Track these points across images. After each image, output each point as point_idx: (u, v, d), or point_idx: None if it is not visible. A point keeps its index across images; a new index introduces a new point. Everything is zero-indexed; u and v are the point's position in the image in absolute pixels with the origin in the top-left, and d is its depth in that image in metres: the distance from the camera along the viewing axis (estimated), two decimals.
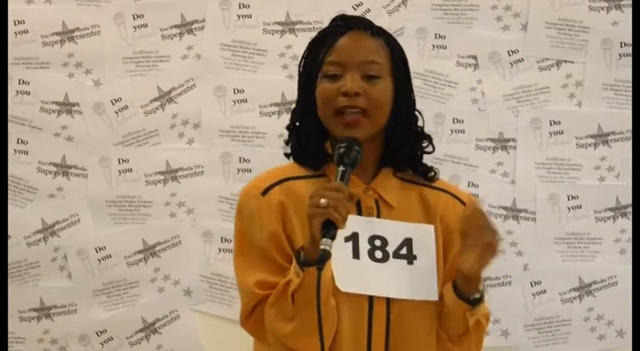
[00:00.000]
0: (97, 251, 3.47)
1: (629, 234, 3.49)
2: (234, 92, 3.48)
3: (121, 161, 3.48)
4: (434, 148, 2.34)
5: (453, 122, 3.49)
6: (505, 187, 3.49)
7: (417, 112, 2.32)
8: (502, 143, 3.50)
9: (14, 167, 3.45)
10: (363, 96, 2.20)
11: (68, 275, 3.48)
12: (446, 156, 3.48)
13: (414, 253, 2.23)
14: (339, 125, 2.22)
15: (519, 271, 3.48)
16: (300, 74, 2.31)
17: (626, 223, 3.49)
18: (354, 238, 2.19)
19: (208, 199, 3.46)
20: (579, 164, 3.50)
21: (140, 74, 3.49)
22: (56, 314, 3.48)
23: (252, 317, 2.22)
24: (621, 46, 3.48)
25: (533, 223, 3.48)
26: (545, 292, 3.48)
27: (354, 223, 2.17)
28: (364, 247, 2.20)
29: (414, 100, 2.32)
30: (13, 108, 3.45)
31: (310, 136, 2.27)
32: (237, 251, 2.26)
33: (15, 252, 3.43)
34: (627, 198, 3.49)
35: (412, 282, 2.21)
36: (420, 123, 2.32)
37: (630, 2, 3.47)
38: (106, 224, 3.48)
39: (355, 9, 3.48)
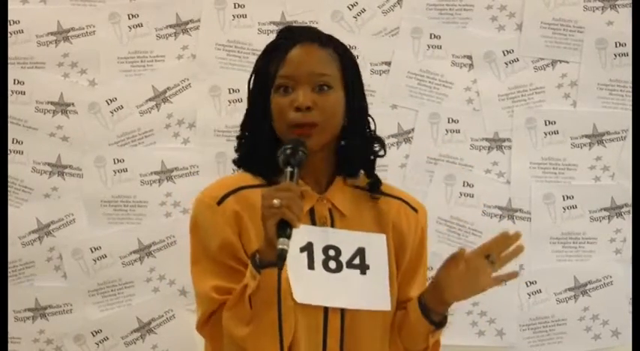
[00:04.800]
0: (92, 251, 3.47)
1: (624, 234, 3.49)
2: (230, 92, 3.48)
3: (116, 161, 3.48)
4: (385, 152, 2.36)
5: (448, 122, 3.49)
6: (500, 187, 3.49)
7: (369, 118, 2.34)
8: (497, 143, 3.50)
9: (9, 167, 3.45)
10: (315, 109, 2.22)
11: (63, 275, 3.48)
12: (441, 156, 3.48)
13: (367, 262, 2.26)
14: (292, 136, 2.23)
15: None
16: (251, 86, 2.33)
17: (621, 223, 3.50)
18: (308, 248, 2.21)
19: None
20: (574, 164, 3.50)
21: (135, 74, 3.49)
22: (51, 314, 3.48)
23: (209, 323, 2.23)
24: (616, 46, 3.48)
25: (528, 223, 3.49)
26: (540, 291, 3.49)
27: (308, 232, 2.20)
28: (319, 257, 2.22)
29: (366, 106, 2.34)
30: (9, 108, 3.45)
31: (264, 146, 2.28)
32: (194, 260, 2.28)
33: (10, 252, 3.43)
34: (622, 198, 3.49)
35: (365, 292, 2.24)
36: (372, 127, 2.35)
37: (625, 2, 3.48)
38: (101, 224, 3.48)
39: (350, 9, 3.48)
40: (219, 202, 2.24)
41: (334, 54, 2.29)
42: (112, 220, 3.48)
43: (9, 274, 3.45)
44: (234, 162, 2.36)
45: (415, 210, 2.38)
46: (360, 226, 2.28)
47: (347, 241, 2.25)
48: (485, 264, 2.24)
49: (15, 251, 3.46)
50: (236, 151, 2.36)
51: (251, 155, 2.32)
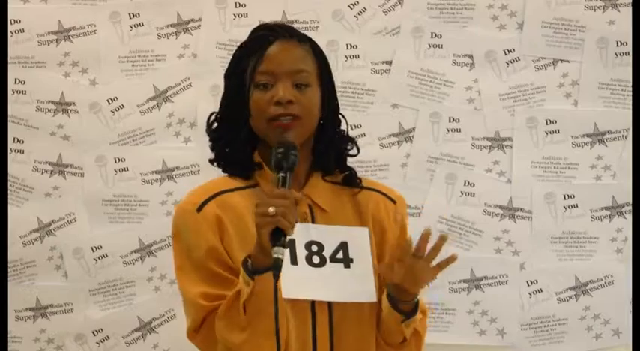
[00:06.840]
0: (93, 250, 3.47)
1: (625, 233, 3.49)
2: None
3: (117, 160, 3.48)
4: (359, 151, 2.38)
5: (449, 121, 3.49)
6: (501, 186, 3.49)
7: (340, 116, 2.37)
8: (498, 142, 3.50)
9: (10, 166, 3.45)
10: (295, 103, 2.24)
11: (64, 274, 3.48)
12: (442, 155, 3.48)
13: (351, 256, 2.27)
14: (273, 130, 2.25)
15: (515, 270, 3.48)
16: (227, 84, 2.34)
17: (622, 223, 3.49)
18: (290, 244, 2.21)
19: None
20: (575, 163, 3.50)
21: (136, 73, 3.49)
22: (52, 313, 3.48)
23: (201, 330, 2.23)
24: (617, 45, 3.48)
25: (529, 223, 3.49)
26: (541, 291, 3.49)
27: None
28: (301, 253, 2.23)
29: (337, 104, 2.37)
30: (10, 107, 3.45)
31: (241, 145, 2.30)
32: (178, 267, 2.29)
33: (11, 251, 3.43)
34: (623, 197, 3.49)
35: (350, 285, 2.25)
36: (343, 126, 2.37)
37: (626, 1, 3.48)
38: (102, 223, 3.48)
39: (351, 8, 3.48)
40: (199, 209, 2.26)
41: (311, 51, 2.32)
42: (112, 220, 3.48)
43: (10, 274, 3.45)
44: (211, 161, 2.37)
45: (394, 201, 2.40)
46: (342, 220, 2.30)
47: (329, 235, 2.27)
48: (417, 261, 2.22)
49: (16, 250, 3.46)
50: (212, 149, 2.36)
51: (227, 155, 2.34)
